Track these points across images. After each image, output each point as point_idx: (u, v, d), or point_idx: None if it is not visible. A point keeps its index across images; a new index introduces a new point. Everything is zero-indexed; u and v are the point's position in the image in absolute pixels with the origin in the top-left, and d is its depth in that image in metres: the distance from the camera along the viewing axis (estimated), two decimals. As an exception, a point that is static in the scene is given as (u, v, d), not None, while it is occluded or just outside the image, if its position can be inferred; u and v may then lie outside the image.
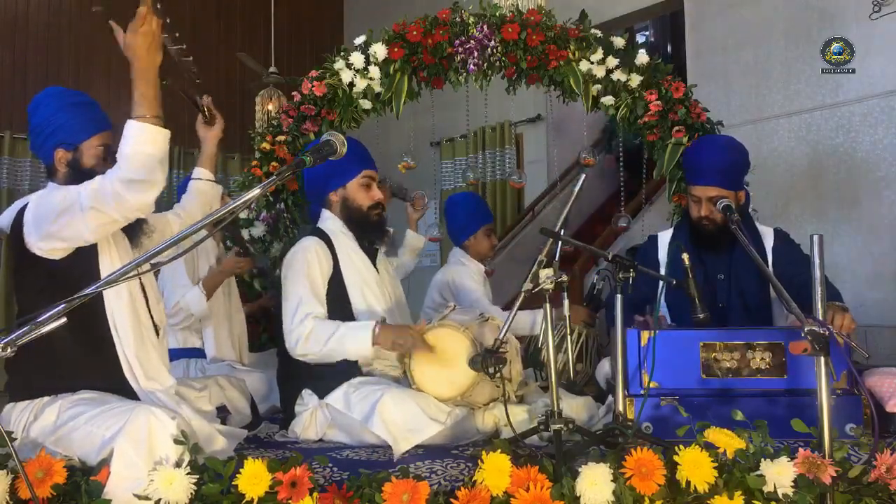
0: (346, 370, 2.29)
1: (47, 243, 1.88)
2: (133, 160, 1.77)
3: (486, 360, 2.04)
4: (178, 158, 7.50)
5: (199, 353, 3.15)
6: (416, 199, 3.53)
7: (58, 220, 1.85)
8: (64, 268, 1.91)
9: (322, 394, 2.29)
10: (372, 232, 2.53)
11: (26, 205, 1.95)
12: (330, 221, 2.52)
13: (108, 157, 2.04)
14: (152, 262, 1.42)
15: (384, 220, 2.57)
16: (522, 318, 2.96)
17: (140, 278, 2.07)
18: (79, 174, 1.99)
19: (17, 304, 2.02)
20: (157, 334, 2.11)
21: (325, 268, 2.40)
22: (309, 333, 2.25)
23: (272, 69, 6.49)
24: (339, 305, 2.39)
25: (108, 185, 1.80)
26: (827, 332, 1.66)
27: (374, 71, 3.63)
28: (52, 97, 2.06)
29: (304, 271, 2.35)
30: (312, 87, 3.64)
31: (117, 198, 1.79)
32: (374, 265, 2.55)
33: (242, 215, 3.65)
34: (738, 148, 2.73)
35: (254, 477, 1.58)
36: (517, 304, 2.03)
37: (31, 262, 1.91)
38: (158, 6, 1.78)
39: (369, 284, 2.47)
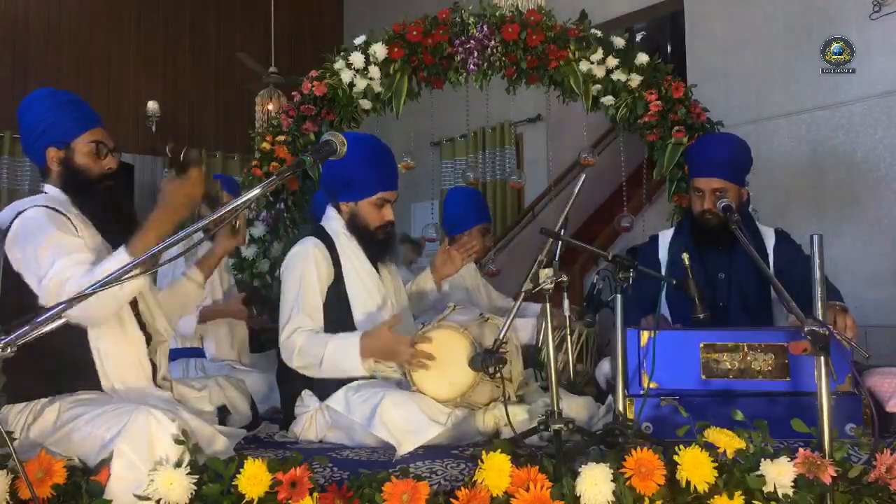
0: (346, 371, 2.29)
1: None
2: (100, 295, 1.63)
3: (486, 360, 2.03)
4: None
5: (199, 353, 3.16)
6: (419, 246, 3.52)
7: (31, 266, 1.85)
8: None
9: (322, 396, 2.29)
10: (376, 249, 2.45)
11: (19, 213, 1.93)
12: (334, 222, 2.46)
13: (100, 154, 2.04)
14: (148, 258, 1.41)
15: (391, 239, 2.49)
16: (523, 326, 2.94)
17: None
18: (71, 173, 1.99)
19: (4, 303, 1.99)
20: (150, 341, 2.08)
21: (325, 273, 2.35)
22: (299, 350, 2.24)
23: (272, 69, 6.50)
24: (339, 311, 2.36)
25: (63, 293, 1.75)
26: (827, 333, 1.66)
27: (374, 71, 3.63)
28: (41, 98, 2.05)
29: (299, 279, 2.31)
30: (312, 87, 3.65)
31: (63, 309, 1.67)
32: (377, 268, 2.49)
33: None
34: (741, 143, 2.77)
35: (254, 477, 1.58)
36: (517, 304, 2.02)
37: (14, 271, 1.90)
38: (203, 169, 1.83)
39: (370, 290, 2.42)
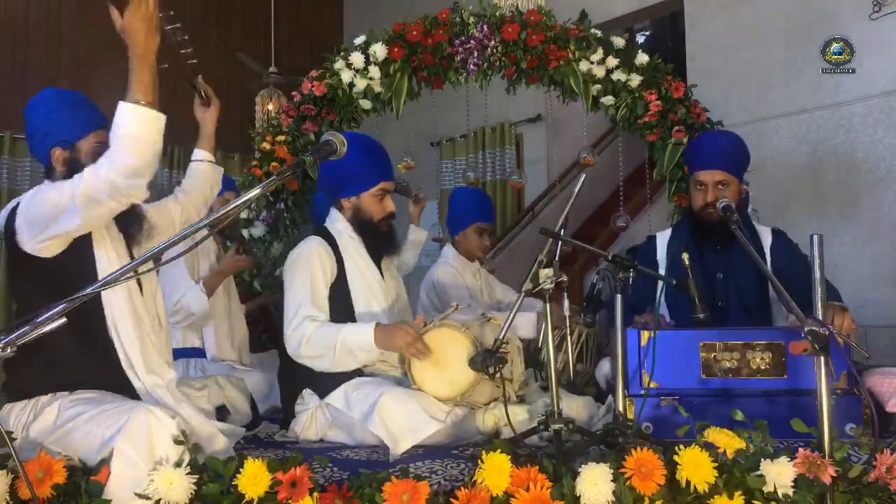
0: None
1: (40, 242, 1.87)
2: (125, 143, 1.75)
3: (487, 360, 2.03)
4: (178, 159, 7.50)
5: (199, 353, 3.16)
6: (418, 196, 3.52)
7: (52, 216, 1.84)
8: (58, 265, 1.90)
9: (322, 394, 2.29)
10: (380, 242, 2.49)
11: (18, 204, 1.95)
12: (338, 223, 2.49)
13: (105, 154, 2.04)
14: (148, 259, 1.41)
15: (394, 231, 2.53)
16: (523, 321, 2.94)
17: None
18: (76, 172, 2.00)
19: (16, 302, 2.02)
20: (161, 325, 2.11)
21: (329, 271, 2.37)
22: (309, 338, 2.24)
23: (272, 69, 6.50)
24: (341, 309, 2.37)
25: (101, 172, 1.78)
26: (827, 332, 1.66)
27: (374, 71, 3.63)
28: (47, 98, 2.06)
29: (306, 274, 2.33)
30: (312, 87, 3.65)
31: (111, 185, 1.77)
32: (379, 267, 2.52)
33: (242, 215, 3.65)
34: (740, 139, 2.80)
35: (254, 477, 1.58)
36: (517, 304, 2.02)
37: (25, 260, 1.91)
38: None
39: (373, 289, 2.45)
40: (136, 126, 1.77)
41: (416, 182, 3.92)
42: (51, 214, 1.84)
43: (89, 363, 1.94)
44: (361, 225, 2.46)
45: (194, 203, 2.30)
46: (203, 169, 2.35)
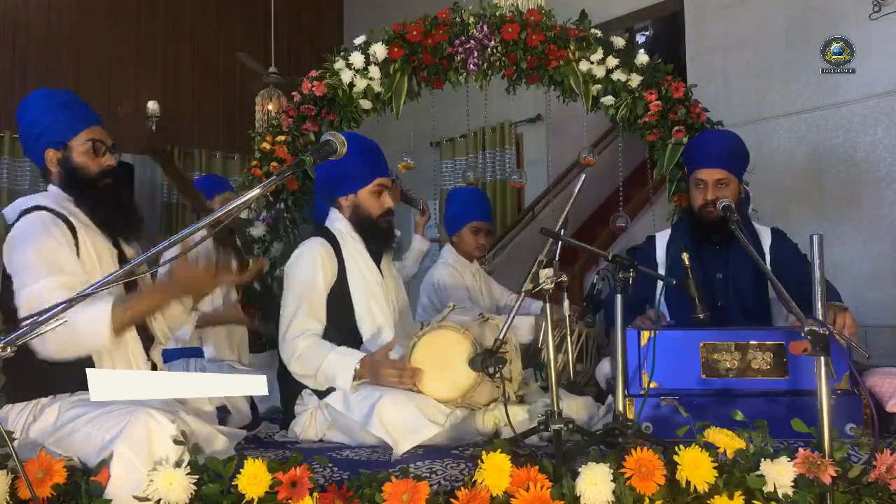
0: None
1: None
2: (64, 333, 1.56)
3: (486, 360, 2.03)
4: (178, 158, 7.51)
5: (198, 353, 3.16)
6: (425, 208, 3.54)
7: (18, 274, 1.86)
8: None
9: (322, 394, 2.29)
10: (380, 238, 2.50)
11: (24, 212, 1.94)
12: (339, 222, 2.49)
13: (98, 152, 2.04)
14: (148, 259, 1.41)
15: (392, 227, 2.55)
16: (521, 323, 2.94)
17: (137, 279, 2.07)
18: (70, 172, 2.00)
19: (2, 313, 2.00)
20: (152, 341, 2.10)
21: (330, 273, 2.37)
22: (299, 356, 2.27)
23: (272, 69, 6.49)
24: (341, 311, 2.37)
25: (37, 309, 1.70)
26: (827, 333, 1.66)
27: (374, 71, 3.62)
28: (38, 99, 2.06)
29: (304, 280, 2.33)
30: (312, 87, 3.64)
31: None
32: (379, 268, 2.52)
33: (242, 215, 3.65)
34: (739, 138, 2.81)
35: (254, 477, 1.58)
36: (517, 304, 2.02)
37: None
38: None
39: (374, 291, 2.45)
40: (90, 331, 1.77)
41: (416, 182, 3.92)
42: (19, 277, 1.85)
43: (90, 364, 1.94)
44: (361, 222, 2.46)
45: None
46: (174, 312, 2.14)
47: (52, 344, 1.77)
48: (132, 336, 2.01)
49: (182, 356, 3.10)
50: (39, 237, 1.88)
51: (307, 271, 2.34)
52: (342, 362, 2.23)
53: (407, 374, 2.16)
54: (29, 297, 1.81)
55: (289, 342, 2.29)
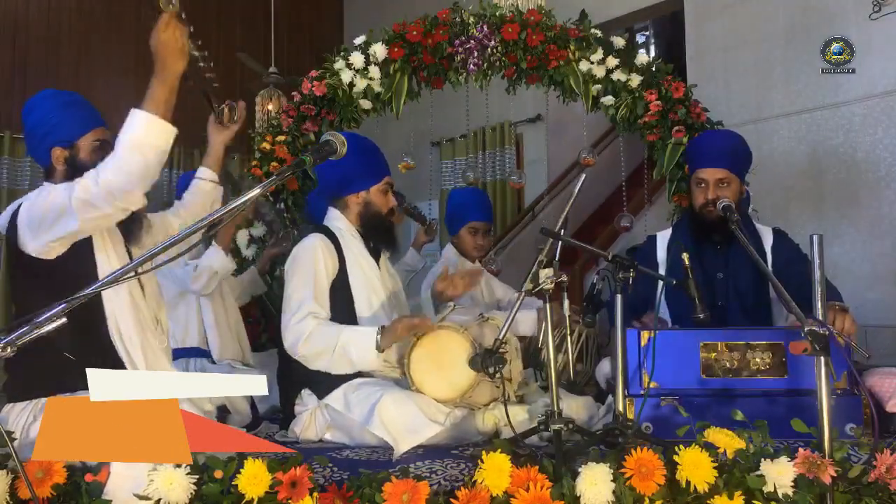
0: (345, 370, 2.29)
1: (42, 244, 1.88)
2: (130, 149, 1.78)
3: (486, 360, 2.03)
4: (178, 158, 7.50)
5: (198, 353, 3.16)
6: (432, 227, 3.55)
7: (51, 219, 1.85)
8: (60, 267, 1.91)
9: (321, 394, 2.29)
10: (385, 236, 2.53)
11: (20, 205, 1.96)
12: (338, 221, 2.50)
13: (104, 152, 2.05)
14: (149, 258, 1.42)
15: (394, 227, 2.60)
16: (524, 318, 2.95)
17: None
18: (76, 171, 2.00)
19: (14, 305, 2.02)
20: (161, 327, 2.12)
21: (331, 267, 2.38)
22: (309, 335, 2.23)
23: (272, 69, 6.49)
24: (342, 306, 2.37)
25: (101, 178, 1.80)
26: (827, 333, 1.66)
27: (374, 71, 3.63)
28: (45, 99, 2.08)
29: (308, 270, 2.33)
30: (312, 87, 3.65)
31: (108, 191, 1.80)
32: (378, 265, 2.53)
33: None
34: (741, 138, 2.80)
35: (254, 477, 1.58)
36: (517, 304, 2.02)
37: (27, 262, 1.91)
38: (183, 16, 1.81)
39: (374, 286, 2.46)
40: (146, 132, 1.79)
41: (416, 182, 3.93)
42: (50, 217, 1.85)
43: (90, 363, 1.93)
44: (370, 219, 2.49)
45: (194, 218, 2.32)
46: (205, 188, 2.39)
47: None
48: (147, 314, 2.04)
49: (183, 356, 3.10)
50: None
51: (310, 263, 2.35)
52: (362, 330, 2.25)
53: (419, 318, 2.21)
54: (77, 193, 1.85)
55: (295, 326, 2.25)
